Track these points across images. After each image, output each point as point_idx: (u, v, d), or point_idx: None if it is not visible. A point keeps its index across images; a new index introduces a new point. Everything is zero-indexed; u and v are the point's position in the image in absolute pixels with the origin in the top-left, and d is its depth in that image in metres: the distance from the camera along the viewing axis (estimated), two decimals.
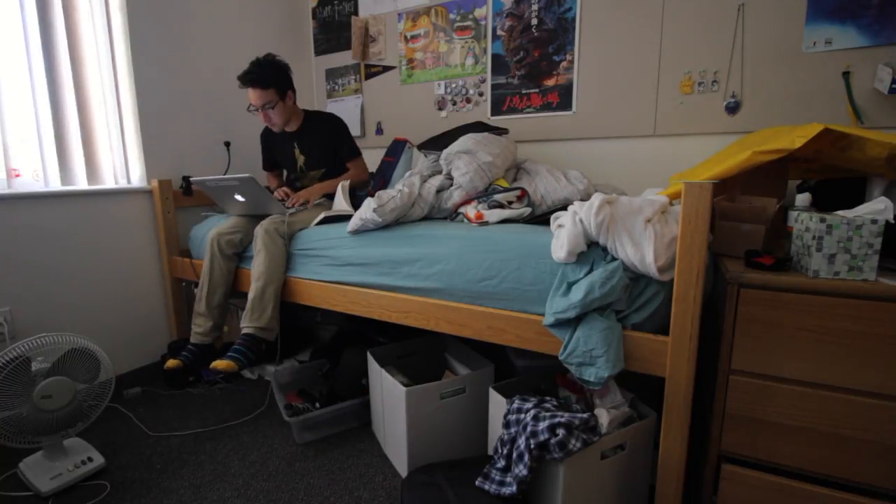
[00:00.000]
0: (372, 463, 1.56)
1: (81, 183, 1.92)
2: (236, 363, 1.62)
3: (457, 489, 1.21)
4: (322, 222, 1.80)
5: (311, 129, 2.07)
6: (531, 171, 1.78)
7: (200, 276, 1.86)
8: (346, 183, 1.96)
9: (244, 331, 1.70)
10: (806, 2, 1.63)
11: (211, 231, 1.87)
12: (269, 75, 1.88)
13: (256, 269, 1.72)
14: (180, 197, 2.18)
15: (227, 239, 1.84)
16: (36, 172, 1.81)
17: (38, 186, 1.80)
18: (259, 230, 1.76)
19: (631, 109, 1.98)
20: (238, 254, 1.89)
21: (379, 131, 2.68)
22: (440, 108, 2.45)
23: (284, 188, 2.02)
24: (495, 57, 2.25)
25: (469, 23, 2.30)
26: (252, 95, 1.90)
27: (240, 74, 1.87)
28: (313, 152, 2.08)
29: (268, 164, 2.25)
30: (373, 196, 1.59)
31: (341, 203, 1.86)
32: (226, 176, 2.05)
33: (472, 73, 2.33)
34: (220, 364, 1.59)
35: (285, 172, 2.26)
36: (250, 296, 1.72)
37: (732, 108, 1.79)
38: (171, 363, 1.70)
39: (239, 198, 1.83)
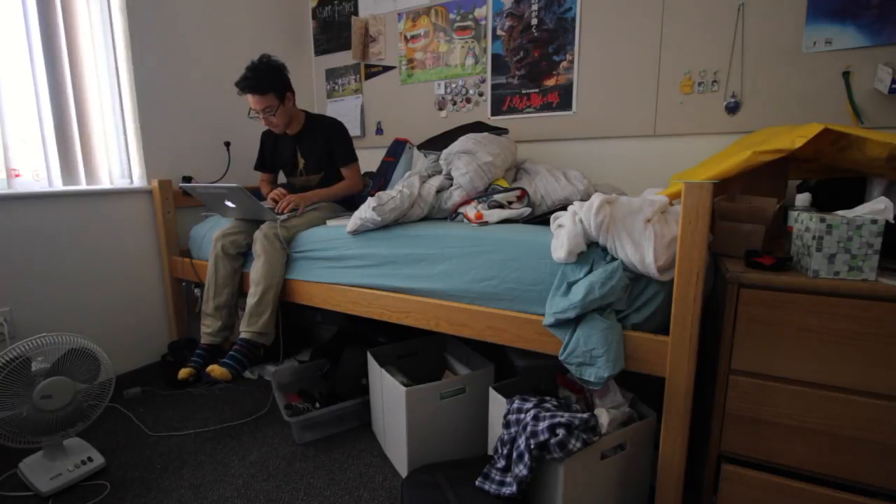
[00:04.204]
0: (372, 463, 1.56)
1: (81, 183, 1.92)
2: (231, 372, 1.62)
3: (457, 489, 1.21)
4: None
5: (312, 132, 2.07)
6: (531, 171, 1.78)
7: (206, 277, 1.86)
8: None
9: (241, 335, 1.71)
10: (806, 2, 1.63)
11: (215, 232, 1.87)
12: (266, 79, 1.86)
13: (255, 274, 1.73)
14: (180, 197, 2.18)
15: (231, 240, 1.84)
16: (36, 172, 1.81)
17: (38, 186, 1.80)
18: (258, 234, 1.76)
19: (631, 109, 1.98)
20: (243, 253, 1.89)
21: (379, 131, 2.68)
22: (440, 108, 2.45)
23: (279, 190, 2.00)
24: (495, 57, 2.25)
25: (469, 23, 2.30)
26: (251, 101, 1.88)
27: (237, 81, 1.85)
28: (312, 155, 2.08)
29: (260, 164, 2.22)
30: (373, 196, 1.59)
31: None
32: (215, 184, 2.05)
33: (472, 73, 2.33)
34: (215, 371, 1.60)
35: (283, 174, 2.26)
36: (249, 301, 1.72)
37: (732, 108, 1.79)
38: (183, 373, 1.69)
39: (230, 204, 1.84)
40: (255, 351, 1.71)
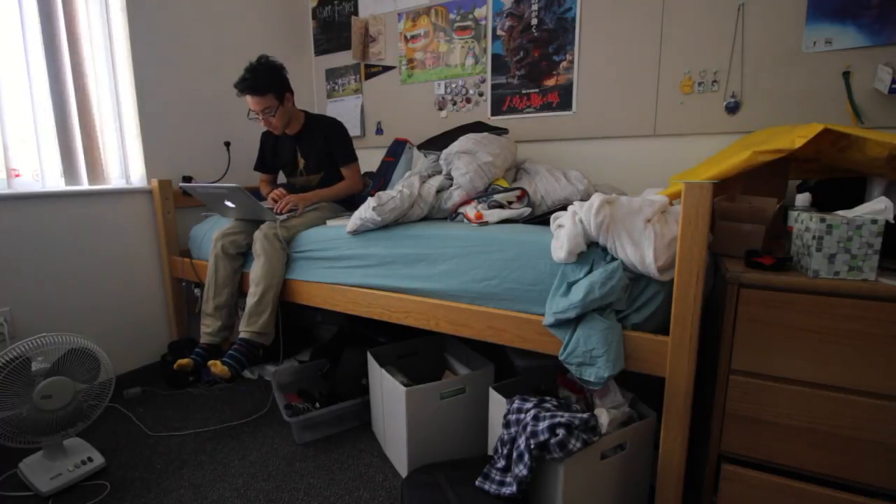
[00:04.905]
0: (372, 463, 1.56)
1: (81, 183, 1.92)
2: (230, 370, 1.62)
3: (457, 489, 1.21)
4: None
5: (311, 132, 2.07)
6: (531, 171, 1.78)
7: (206, 277, 1.85)
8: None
9: (241, 335, 1.71)
10: (806, 2, 1.63)
11: (215, 232, 1.87)
12: (265, 80, 1.85)
13: (255, 274, 1.73)
14: (180, 197, 2.18)
15: (231, 240, 1.84)
16: (36, 172, 1.81)
17: (38, 186, 1.80)
18: (258, 234, 1.76)
19: (631, 109, 1.98)
20: (243, 253, 1.88)
21: (379, 131, 2.68)
22: (440, 108, 2.45)
23: (279, 190, 2.00)
24: (495, 57, 2.25)
25: (469, 23, 2.30)
26: (250, 102, 1.88)
27: (236, 82, 1.85)
28: (312, 155, 2.08)
29: (260, 164, 2.22)
30: (373, 196, 1.59)
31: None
32: (215, 184, 2.05)
33: (472, 73, 2.33)
34: (216, 367, 1.60)
35: (283, 174, 2.26)
36: (249, 301, 1.72)
37: (732, 108, 1.79)
38: (182, 361, 1.69)
39: (230, 204, 1.84)
40: (254, 351, 1.71)
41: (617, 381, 1.27)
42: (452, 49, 2.36)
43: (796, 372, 1.01)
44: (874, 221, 0.94)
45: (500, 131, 1.90)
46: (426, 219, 1.68)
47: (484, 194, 1.64)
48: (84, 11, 1.90)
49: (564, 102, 2.13)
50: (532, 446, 1.11)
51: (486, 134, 1.77)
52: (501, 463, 1.21)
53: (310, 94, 2.90)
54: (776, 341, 1.02)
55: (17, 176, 1.75)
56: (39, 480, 1.40)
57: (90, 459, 1.50)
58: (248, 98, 1.87)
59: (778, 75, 1.71)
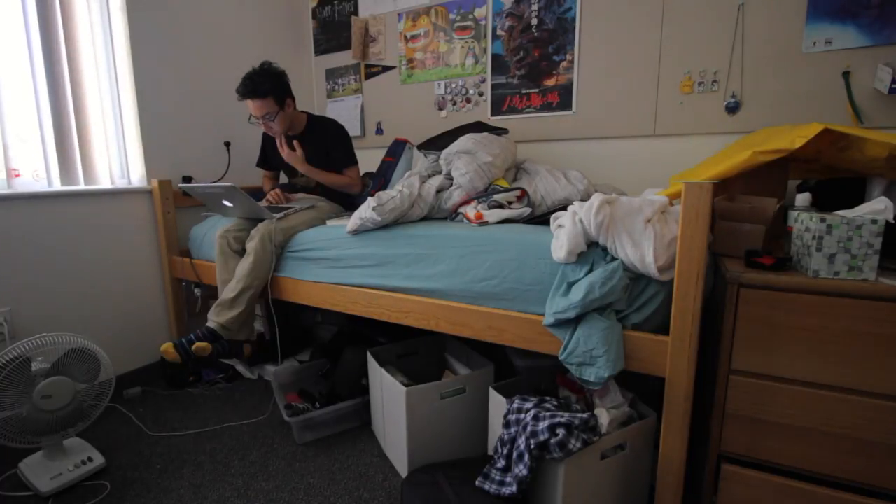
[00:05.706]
0: (372, 463, 1.56)
1: (81, 183, 1.92)
2: (176, 350, 1.60)
3: (457, 489, 1.21)
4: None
5: (313, 134, 2.07)
6: (531, 171, 1.78)
7: (216, 275, 1.83)
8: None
9: (207, 324, 1.70)
10: (806, 2, 1.63)
11: (218, 230, 1.87)
12: (265, 85, 1.86)
13: (240, 270, 1.73)
14: (180, 197, 2.18)
15: (235, 236, 1.84)
16: (36, 172, 1.81)
17: (38, 186, 1.80)
18: (255, 232, 1.76)
19: (631, 109, 1.98)
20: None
21: (379, 131, 2.68)
22: (440, 108, 2.45)
23: (276, 191, 2.00)
24: (495, 57, 2.25)
25: (469, 23, 2.30)
26: (251, 106, 1.88)
27: (237, 87, 1.86)
28: (313, 157, 2.08)
29: (262, 161, 2.23)
30: (373, 196, 1.59)
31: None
32: (212, 184, 2.06)
33: (472, 73, 2.33)
34: (168, 351, 1.59)
35: (284, 174, 2.26)
36: (226, 292, 1.71)
37: (732, 108, 1.79)
38: (166, 348, 1.65)
39: (228, 203, 1.84)
40: (217, 341, 1.69)
41: (617, 381, 1.27)
42: (452, 49, 2.36)
43: (796, 372, 1.01)
44: (874, 221, 0.94)
45: (500, 131, 1.90)
46: (426, 219, 1.68)
47: (484, 194, 1.64)
48: (84, 11, 1.89)
49: (564, 102, 2.13)
50: (532, 446, 1.11)
51: (486, 134, 1.77)
52: (501, 463, 1.21)
53: (310, 94, 2.90)
54: (776, 341, 1.02)
55: (17, 176, 1.75)
56: (39, 480, 1.40)
57: (90, 459, 1.50)
58: (249, 102, 1.88)
59: (778, 75, 1.71)
